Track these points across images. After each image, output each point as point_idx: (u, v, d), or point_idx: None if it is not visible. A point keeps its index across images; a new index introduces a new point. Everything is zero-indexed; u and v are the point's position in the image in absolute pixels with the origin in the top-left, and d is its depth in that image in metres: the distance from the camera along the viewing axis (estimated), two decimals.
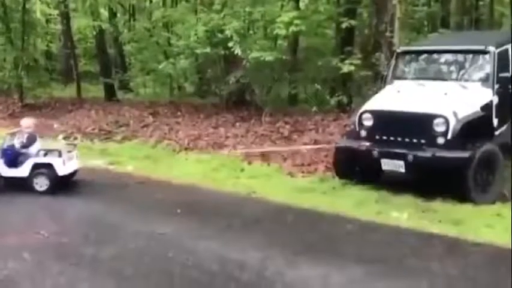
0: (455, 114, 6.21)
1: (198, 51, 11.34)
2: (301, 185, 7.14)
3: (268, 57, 10.09)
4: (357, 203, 6.23)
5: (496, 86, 6.71)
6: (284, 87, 12.43)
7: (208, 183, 7.31)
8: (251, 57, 10.20)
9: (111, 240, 5.13)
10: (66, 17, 15.53)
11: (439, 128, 6.20)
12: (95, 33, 15.00)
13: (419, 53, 7.78)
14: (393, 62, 7.70)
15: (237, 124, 10.59)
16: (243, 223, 5.69)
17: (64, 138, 10.51)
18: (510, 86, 6.89)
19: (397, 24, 9.31)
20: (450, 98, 6.53)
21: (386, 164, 6.49)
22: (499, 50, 6.86)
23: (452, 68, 7.32)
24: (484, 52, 6.85)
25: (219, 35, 10.64)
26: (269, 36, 12.07)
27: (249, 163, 8.33)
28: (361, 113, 6.85)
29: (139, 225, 5.57)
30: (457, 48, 7.35)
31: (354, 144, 6.76)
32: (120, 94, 15.24)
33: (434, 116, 6.24)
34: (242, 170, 8.02)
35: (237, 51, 10.20)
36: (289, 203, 6.31)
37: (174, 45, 13.17)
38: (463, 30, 14.14)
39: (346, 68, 9.80)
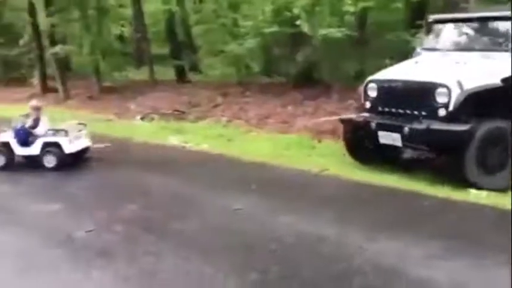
0: (459, 84, 5.62)
1: (265, 30, 11.42)
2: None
3: (337, 33, 10.01)
4: (431, 180, 6.16)
5: None
6: (352, 63, 12.28)
7: (279, 161, 7.46)
8: (319, 34, 10.16)
9: (191, 215, 5.43)
10: (137, 2, 16.08)
11: (440, 98, 5.68)
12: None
13: (450, 21, 7.08)
14: (424, 32, 7.15)
15: (306, 102, 10.64)
16: (318, 200, 5.79)
17: (141, 118, 11.08)
18: None
19: None
20: (462, 68, 5.91)
21: (383, 137, 6.10)
22: None
23: (484, 37, 6.59)
24: None
25: (287, 13, 10.65)
26: (336, 13, 11.90)
27: (319, 141, 8.39)
28: (367, 83, 6.46)
29: (217, 200, 5.84)
30: (490, 15, 6.66)
31: (355, 116, 6.42)
32: (190, 76, 15.69)
33: (435, 85, 5.72)
34: (313, 147, 8.12)
35: (305, 29, 10.19)
36: (362, 181, 6.35)
37: (241, 26, 13.33)
38: None
39: (417, 43, 9.52)
